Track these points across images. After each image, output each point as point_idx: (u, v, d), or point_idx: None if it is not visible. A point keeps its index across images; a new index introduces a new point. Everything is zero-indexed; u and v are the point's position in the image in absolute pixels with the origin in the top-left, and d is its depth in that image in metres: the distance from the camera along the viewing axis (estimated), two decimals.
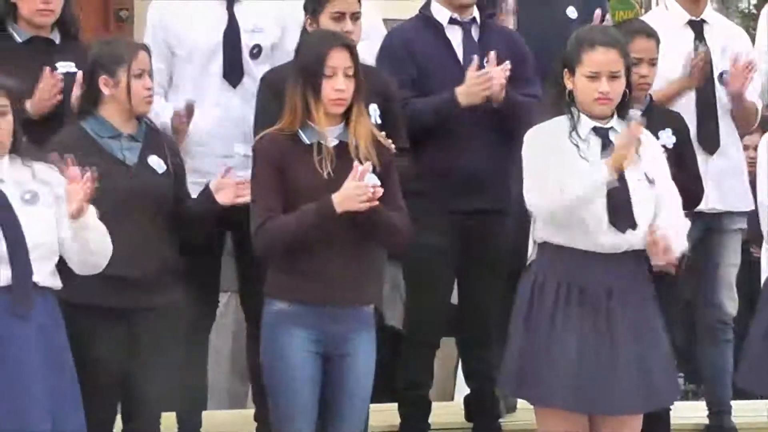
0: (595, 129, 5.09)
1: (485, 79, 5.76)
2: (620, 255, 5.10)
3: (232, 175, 5.24)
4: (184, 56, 5.99)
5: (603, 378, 5.02)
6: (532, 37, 6.18)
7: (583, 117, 5.09)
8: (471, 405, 6.37)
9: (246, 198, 5.11)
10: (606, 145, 5.06)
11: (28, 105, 5.33)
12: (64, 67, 5.47)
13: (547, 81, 5.32)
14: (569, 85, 5.11)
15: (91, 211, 4.60)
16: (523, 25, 6.26)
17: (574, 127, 5.08)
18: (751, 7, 17.36)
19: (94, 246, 4.66)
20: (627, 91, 5.14)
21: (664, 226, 5.03)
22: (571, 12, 6.43)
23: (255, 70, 5.95)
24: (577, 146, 5.04)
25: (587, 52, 5.07)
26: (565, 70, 5.12)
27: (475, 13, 6.11)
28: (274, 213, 4.93)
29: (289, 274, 5.05)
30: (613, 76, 5.05)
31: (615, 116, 5.13)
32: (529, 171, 5.07)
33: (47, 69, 5.45)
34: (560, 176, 4.90)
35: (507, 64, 5.78)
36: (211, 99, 5.96)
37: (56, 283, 4.70)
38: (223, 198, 5.15)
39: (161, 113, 5.73)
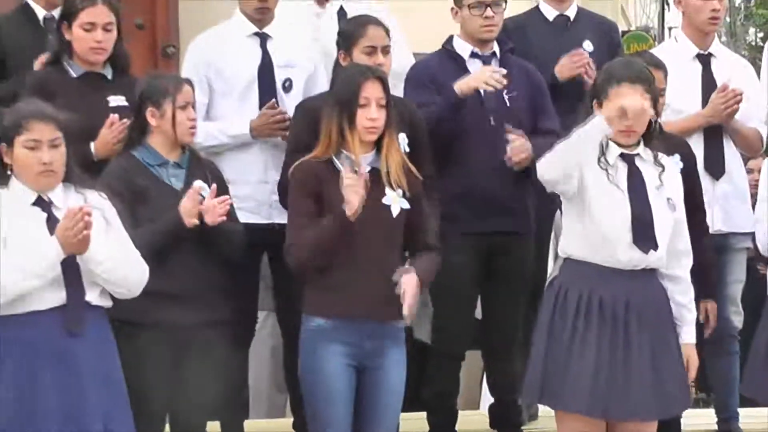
0: (622, 155, 5.06)
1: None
2: (638, 272, 5.07)
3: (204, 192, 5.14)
4: (222, 90, 5.98)
5: (620, 386, 4.99)
6: (549, 70, 6.14)
7: (611, 144, 5.05)
8: (495, 413, 6.30)
9: (222, 217, 5.08)
10: (633, 171, 5.05)
11: (92, 147, 5.41)
12: (116, 101, 5.46)
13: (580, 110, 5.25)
14: (597, 113, 5.03)
15: (97, 246, 4.55)
16: (540, 58, 6.18)
17: (603, 153, 5.03)
18: (758, 40, 17.37)
19: (106, 276, 4.60)
20: (653, 120, 5.10)
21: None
22: (587, 45, 6.40)
23: (288, 103, 5.92)
24: (606, 171, 5.01)
25: (614, 87, 5.02)
26: (595, 101, 5.08)
27: (495, 47, 6.06)
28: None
29: (326, 291, 5.02)
30: (639, 112, 4.98)
31: (641, 143, 5.10)
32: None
33: (112, 116, 5.44)
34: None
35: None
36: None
37: (107, 302, 4.67)
38: (210, 219, 5.07)
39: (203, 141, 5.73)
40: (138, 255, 4.69)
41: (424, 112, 5.76)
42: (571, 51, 6.24)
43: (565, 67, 6.12)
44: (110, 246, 4.62)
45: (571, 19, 6.58)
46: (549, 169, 4.97)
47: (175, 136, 5.19)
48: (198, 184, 5.10)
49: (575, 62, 6.12)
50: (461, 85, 5.76)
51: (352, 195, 4.78)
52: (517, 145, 5.78)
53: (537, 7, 6.61)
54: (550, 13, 6.55)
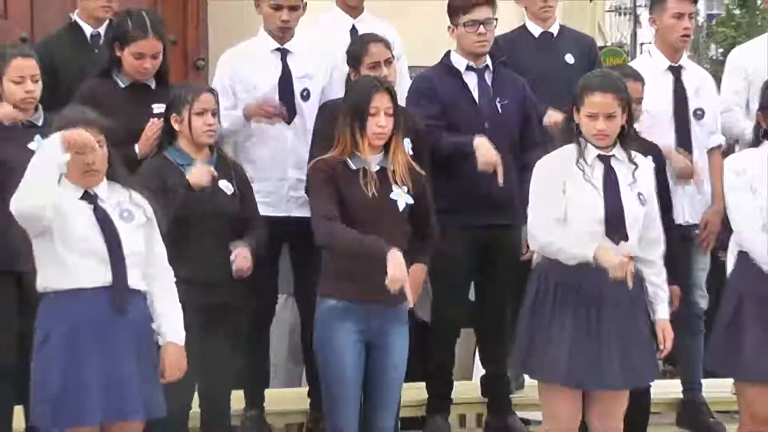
0: (599, 156, 5.08)
1: None
2: None
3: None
4: (246, 99, 5.96)
5: (593, 360, 5.01)
6: (536, 81, 6.14)
7: (589, 146, 5.07)
8: (486, 384, 6.32)
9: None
10: (609, 170, 5.06)
11: (137, 148, 5.46)
12: (158, 108, 5.45)
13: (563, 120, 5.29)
14: (577, 120, 5.09)
15: (137, 237, 4.68)
16: (529, 70, 6.19)
17: (581, 154, 5.06)
18: (719, 55, 17.35)
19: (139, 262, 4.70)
20: (626, 125, 5.12)
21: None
22: (569, 58, 6.44)
23: (305, 110, 5.95)
24: (583, 171, 5.02)
25: (588, 95, 5.05)
26: (574, 107, 5.11)
27: (488, 60, 6.05)
28: (333, 213, 4.90)
29: (339, 276, 5.02)
30: (609, 116, 5.03)
31: (617, 145, 5.12)
32: (533, 205, 5.10)
33: (153, 120, 5.47)
34: (557, 217, 4.98)
35: None
36: (270, 134, 5.96)
37: (145, 286, 4.67)
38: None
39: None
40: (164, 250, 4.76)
41: (434, 137, 5.80)
42: (552, 67, 6.27)
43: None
44: (149, 238, 4.69)
45: (555, 35, 6.59)
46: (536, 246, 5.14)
47: (193, 137, 5.22)
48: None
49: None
50: (481, 146, 5.74)
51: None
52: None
53: (524, 26, 6.62)
54: (536, 30, 6.56)
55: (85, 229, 4.54)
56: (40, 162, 4.38)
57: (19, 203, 4.37)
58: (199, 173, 5.16)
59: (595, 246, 4.92)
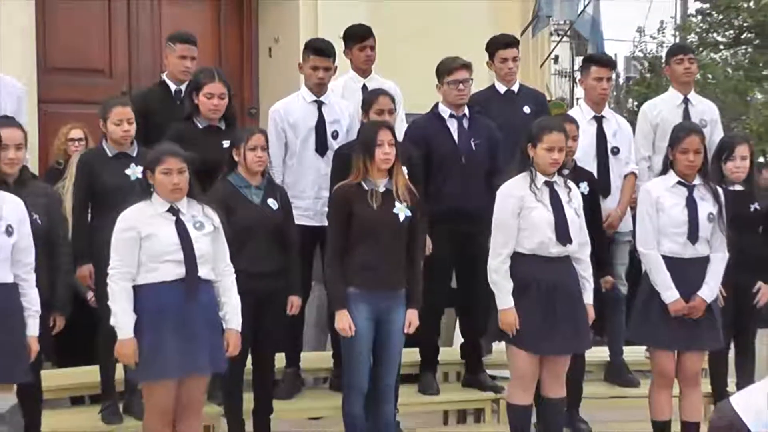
0: (546, 182, 5.10)
1: None
2: (560, 258, 5.12)
3: None
4: (292, 137, 5.94)
5: (547, 332, 5.05)
6: (502, 125, 6.09)
7: (538, 174, 5.09)
8: (464, 349, 6.30)
9: None
10: (553, 192, 5.11)
11: None
12: (227, 143, 5.40)
13: (517, 152, 5.27)
14: (531, 154, 5.10)
15: (206, 244, 4.71)
16: (496, 119, 6.16)
17: (533, 180, 5.08)
18: (634, 107, 17.35)
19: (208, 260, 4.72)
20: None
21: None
22: (527, 109, 6.41)
23: (335, 146, 5.91)
24: (534, 193, 5.06)
25: (547, 133, 5.07)
26: (530, 144, 5.11)
27: (466, 110, 6.04)
28: (341, 249, 5.00)
29: (356, 269, 5.00)
30: (560, 149, 5.09)
31: (556, 174, 5.15)
32: (495, 232, 5.15)
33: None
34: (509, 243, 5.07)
35: None
36: (308, 163, 5.93)
37: (213, 277, 4.68)
38: None
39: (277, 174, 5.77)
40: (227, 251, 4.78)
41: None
42: (514, 116, 6.20)
43: None
44: (215, 242, 4.70)
45: (516, 92, 6.56)
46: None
47: (247, 167, 5.20)
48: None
49: None
50: None
51: None
52: None
53: (493, 85, 6.58)
54: (502, 89, 6.53)
55: (168, 235, 4.56)
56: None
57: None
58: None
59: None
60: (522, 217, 5.05)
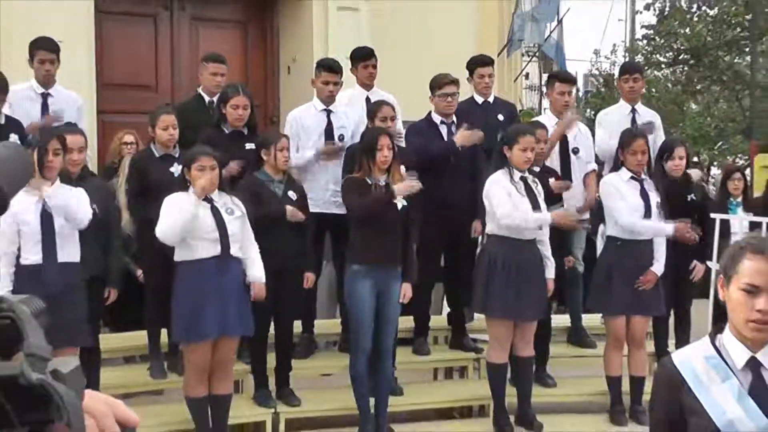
0: (521, 177, 5.10)
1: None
2: (529, 241, 5.11)
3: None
4: (304, 140, 5.90)
5: (518, 302, 5.06)
6: (480, 131, 5.99)
7: (514, 170, 5.07)
8: (451, 317, 6.30)
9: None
10: (527, 185, 5.08)
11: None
12: (249, 146, 5.41)
13: (494, 152, 5.25)
14: (508, 155, 5.08)
15: (235, 228, 4.68)
16: (475, 124, 6.03)
17: (511, 176, 5.07)
18: (592, 115, 17.35)
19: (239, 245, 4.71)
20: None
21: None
22: (500, 117, 6.35)
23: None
24: (515, 186, 5.06)
25: (521, 137, 5.06)
26: (506, 146, 5.09)
27: (454, 118, 6.01)
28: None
29: (361, 249, 4.98)
30: (532, 149, 5.08)
31: (526, 171, 5.15)
32: (492, 204, 5.09)
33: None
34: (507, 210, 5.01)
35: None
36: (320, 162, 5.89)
37: (241, 255, 4.67)
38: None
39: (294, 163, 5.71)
40: (252, 233, 4.74)
41: (421, 152, 5.70)
42: (490, 123, 6.11)
43: (461, 138, 5.82)
44: (242, 226, 4.68)
45: (491, 103, 6.50)
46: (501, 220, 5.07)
47: (275, 165, 5.17)
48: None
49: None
50: (460, 139, 5.75)
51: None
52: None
53: (472, 97, 6.48)
54: (480, 100, 6.45)
55: (205, 221, 4.55)
56: (181, 212, 4.46)
57: (164, 237, 4.53)
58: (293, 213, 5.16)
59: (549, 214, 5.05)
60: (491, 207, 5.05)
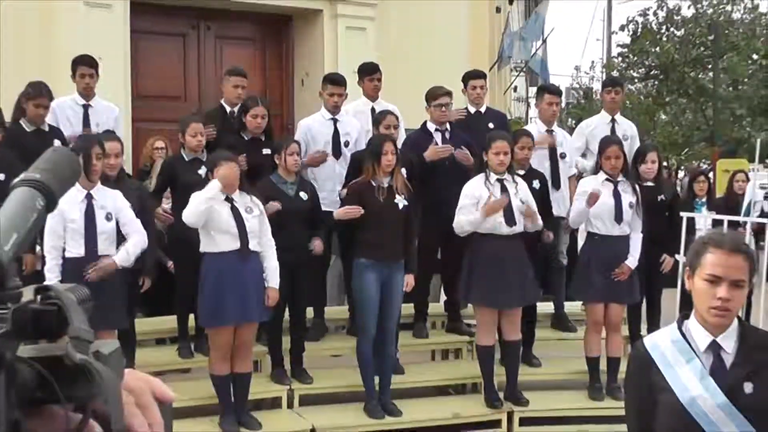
0: (498, 179, 5.10)
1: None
2: (509, 236, 5.09)
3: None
4: (312, 146, 5.87)
5: (503, 292, 5.05)
6: (472, 137, 5.96)
7: (491, 174, 5.08)
8: (447, 304, 6.28)
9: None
10: (503, 186, 5.09)
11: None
12: (266, 151, 5.42)
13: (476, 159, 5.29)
14: (486, 158, 5.09)
15: (254, 224, 4.67)
16: (467, 131, 6.06)
17: (487, 178, 5.09)
18: (573, 124, 17.34)
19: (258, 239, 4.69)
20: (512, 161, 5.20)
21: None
22: (491, 125, 6.23)
23: (346, 153, 5.87)
24: (488, 188, 5.06)
25: (494, 142, 5.08)
26: (485, 151, 5.10)
27: (447, 125, 5.96)
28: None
29: (367, 245, 4.98)
30: (506, 153, 5.06)
31: (506, 173, 5.13)
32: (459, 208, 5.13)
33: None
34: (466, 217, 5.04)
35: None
36: (327, 165, 5.86)
37: (258, 249, 4.66)
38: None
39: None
40: (269, 229, 4.72)
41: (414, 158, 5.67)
42: (482, 130, 5.96)
43: (430, 153, 5.75)
44: (261, 223, 4.67)
45: (483, 112, 6.41)
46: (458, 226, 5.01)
47: (287, 168, 5.15)
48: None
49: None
50: (429, 155, 5.70)
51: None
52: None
53: (466, 107, 6.38)
54: (472, 109, 6.38)
55: (226, 218, 4.55)
56: (203, 196, 4.45)
57: (188, 219, 4.52)
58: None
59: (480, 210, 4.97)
60: (479, 207, 5.03)
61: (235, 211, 4.59)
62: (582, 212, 5.31)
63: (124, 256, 4.44)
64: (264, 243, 4.68)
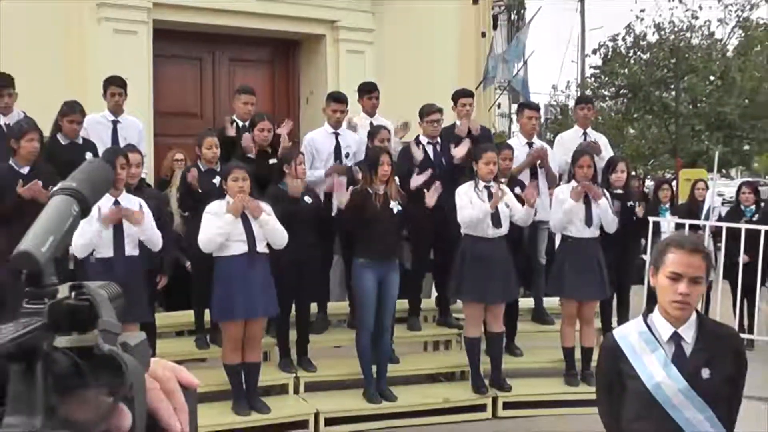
0: (485, 186, 5.09)
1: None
2: (497, 238, 5.08)
3: None
4: (316, 158, 5.87)
5: (488, 288, 5.04)
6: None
7: (480, 181, 5.07)
8: (438, 300, 6.26)
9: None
10: (489, 192, 5.08)
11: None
12: (272, 161, 5.41)
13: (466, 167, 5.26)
14: (476, 168, 5.07)
15: (266, 217, 4.54)
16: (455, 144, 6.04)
17: (476, 185, 5.08)
18: (551, 137, 17.40)
19: (270, 237, 4.60)
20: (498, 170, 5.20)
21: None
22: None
23: (347, 163, 5.83)
24: (477, 194, 5.05)
25: (484, 153, 5.07)
26: (474, 161, 5.08)
27: (438, 139, 5.95)
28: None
29: (365, 246, 4.97)
30: (494, 163, 5.06)
31: (492, 180, 5.12)
32: (458, 207, 5.09)
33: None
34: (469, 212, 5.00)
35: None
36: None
37: (266, 250, 4.63)
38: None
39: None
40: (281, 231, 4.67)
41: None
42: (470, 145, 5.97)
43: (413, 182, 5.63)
44: (271, 225, 4.64)
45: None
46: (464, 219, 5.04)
47: (297, 175, 5.13)
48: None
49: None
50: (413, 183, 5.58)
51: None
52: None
53: (454, 123, 6.31)
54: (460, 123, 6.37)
55: (237, 225, 4.54)
56: (218, 230, 4.45)
57: (204, 246, 4.51)
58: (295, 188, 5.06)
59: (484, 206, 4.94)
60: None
61: (244, 218, 4.58)
62: (569, 210, 5.28)
63: (144, 228, 4.43)
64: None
